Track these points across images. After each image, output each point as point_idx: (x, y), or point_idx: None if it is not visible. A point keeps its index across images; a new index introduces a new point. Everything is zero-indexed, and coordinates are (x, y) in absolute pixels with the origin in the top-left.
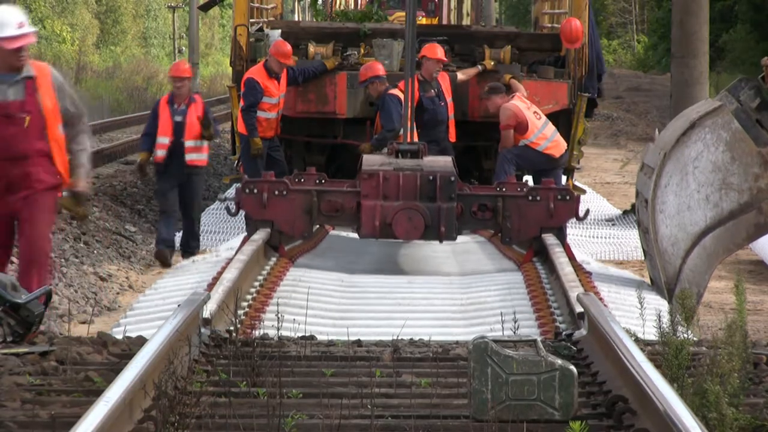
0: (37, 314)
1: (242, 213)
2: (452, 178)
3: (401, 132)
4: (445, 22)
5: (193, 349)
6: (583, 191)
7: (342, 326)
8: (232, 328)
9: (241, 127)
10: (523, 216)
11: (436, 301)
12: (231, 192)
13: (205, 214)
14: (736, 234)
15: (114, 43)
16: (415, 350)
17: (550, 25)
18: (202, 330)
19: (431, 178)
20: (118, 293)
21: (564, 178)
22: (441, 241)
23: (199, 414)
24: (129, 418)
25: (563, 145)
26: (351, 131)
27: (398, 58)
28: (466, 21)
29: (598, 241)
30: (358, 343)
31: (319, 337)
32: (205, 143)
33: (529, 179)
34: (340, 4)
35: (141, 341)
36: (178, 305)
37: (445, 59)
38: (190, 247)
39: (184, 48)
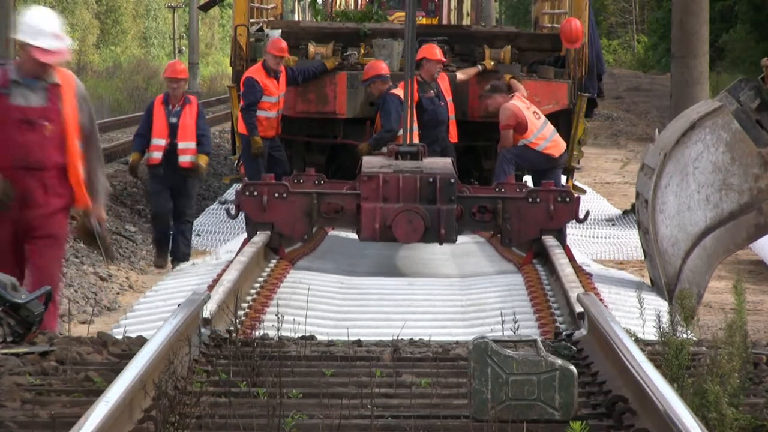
0: (37, 314)
1: (242, 214)
2: (452, 180)
3: (400, 133)
4: (445, 22)
5: (193, 349)
6: (583, 191)
7: (342, 327)
8: (232, 328)
9: (241, 128)
10: (522, 218)
11: (436, 302)
12: (231, 194)
13: (204, 214)
14: (737, 234)
15: (114, 43)
16: (415, 350)
17: (550, 25)
18: (202, 330)
19: (431, 180)
20: (118, 293)
21: (564, 178)
22: (441, 243)
23: (199, 414)
24: (129, 418)
25: (562, 145)
26: (351, 131)
27: (398, 58)
28: (466, 21)
29: (598, 241)
30: (358, 343)
31: (319, 338)
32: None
33: (528, 179)
34: (340, 4)
35: (141, 341)
36: (178, 305)
37: (445, 60)
38: (181, 254)
39: (184, 48)
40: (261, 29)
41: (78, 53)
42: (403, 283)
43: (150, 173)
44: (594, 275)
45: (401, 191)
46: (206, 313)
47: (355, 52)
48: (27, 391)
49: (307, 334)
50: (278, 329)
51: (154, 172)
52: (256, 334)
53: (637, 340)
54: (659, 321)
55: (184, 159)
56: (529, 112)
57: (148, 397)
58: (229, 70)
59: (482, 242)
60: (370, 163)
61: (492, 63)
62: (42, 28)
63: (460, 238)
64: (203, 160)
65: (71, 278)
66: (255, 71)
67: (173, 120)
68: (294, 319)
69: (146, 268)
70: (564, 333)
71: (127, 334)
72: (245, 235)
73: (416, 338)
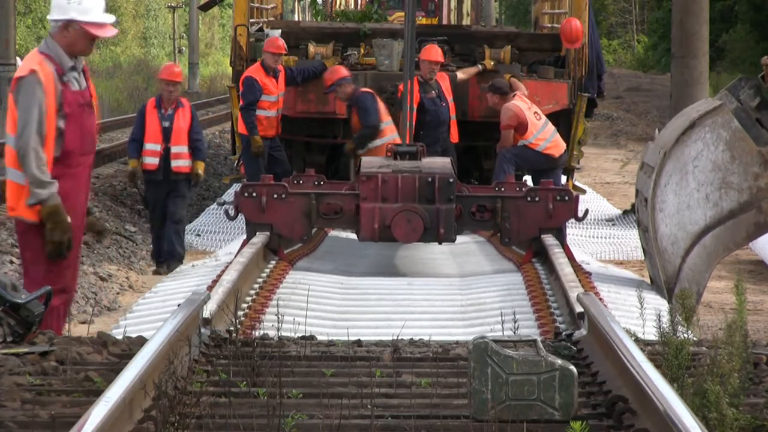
0: (37, 314)
1: (242, 215)
2: (451, 180)
3: (382, 126)
4: (445, 22)
5: (193, 349)
6: (583, 191)
7: (342, 327)
8: (232, 328)
9: (241, 128)
10: (522, 217)
11: (435, 302)
12: (230, 194)
13: (204, 214)
14: (736, 233)
15: (114, 43)
16: (415, 350)
17: (550, 25)
18: (202, 330)
19: (430, 179)
20: (118, 293)
21: (564, 178)
22: (440, 243)
23: (199, 414)
24: (129, 418)
25: (562, 145)
26: (351, 131)
27: (398, 58)
28: (466, 21)
29: (598, 241)
30: (358, 343)
31: (319, 338)
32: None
33: (528, 179)
34: (340, 4)
35: (141, 341)
36: (178, 305)
37: (441, 60)
38: (177, 254)
39: (184, 48)
40: (261, 29)
41: None
42: (402, 282)
43: (146, 179)
44: (593, 274)
45: (400, 191)
46: (206, 313)
47: (355, 52)
48: (27, 391)
49: (307, 334)
50: (278, 329)
51: (152, 178)
52: (256, 334)
53: (637, 340)
54: (659, 321)
55: (177, 164)
56: (530, 113)
57: (148, 397)
58: (229, 70)
59: (482, 241)
60: (369, 163)
61: (492, 63)
62: (92, 4)
63: (460, 238)
64: (201, 168)
65: None
66: (254, 70)
67: (166, 124)
68: (294, 319)
69: (146, 268)
70: (564, 333)
71: (127, 334)
72: (245, 236)
73: (416, 338)
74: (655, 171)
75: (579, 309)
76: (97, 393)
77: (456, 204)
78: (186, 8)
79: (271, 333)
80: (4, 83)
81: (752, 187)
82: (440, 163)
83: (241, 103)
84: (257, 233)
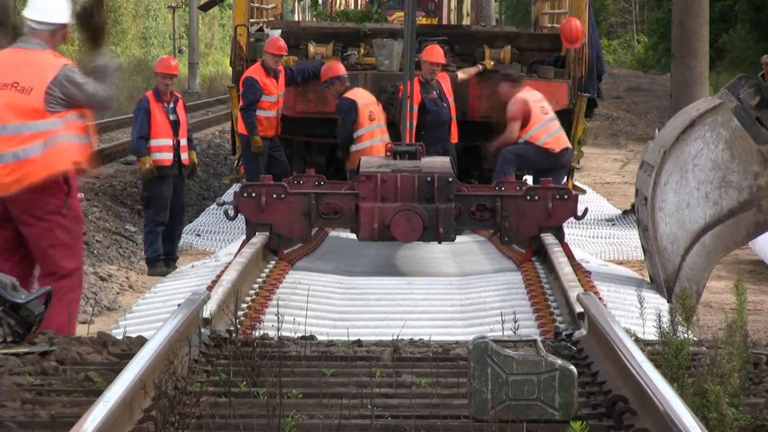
0: (37, 314)
1: (242, 215)
2: (450, 179)
3: (361, 132)
4: (445, 22)
5: (193, 349)
6: (583, 191)
7: (342, 327)
8: (232, 328)
9: (241, 128)
10: (521, 216)
11: (435, 301)
12: (229, 194)
13: (204, 214)
14: (736, 232)
15: (114, 43)
16: (415, 350)
17: (550, 25)
18: (202, 330)
19: (429, 179)
20: (118, 293)
21: (564, 178)
22: (439, 242)
23: (199, 414)
24: (129, 418)
25: (564, 141)
26: None
27: (398, 58)
28: (466, 21)
29: (598, 241)
30: (358, 343)
31: (319, 338)
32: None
33: (529, 179)
34: (340, 4)
35: (141, 341)
36: (178, 305)
37: (441, 61)
38: (176, 254)
39: (184, 48)
40: (261, 29)
41: (78, 53)
42: (402, 282)
43: (160, 175)
44: (593, 273)
45: (399, 191)
46: (206, 313)
47: (355, 52)
48: (27, 391)
49: (307, 334)
50: (278, 329)
51: (167, 173)
52: (256, 334)
53: (637, 340)
54: (659, 320)
55: (185, 156)
56: (537, 106)
57: (148, 397)
58: (229, 70)
59: (481, 240)
60: (369, 162)
61: (492, 63)
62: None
63: (459, 237)
64: (194, 157)
65: None
66: (254, 71)
67: (173, 117)
68: (294, 319)
69: (146, 268)
70: (564, 333)
71: (127, 335)
72: (245, 236)
73: (416, 338)
74: (654, 170)
75: (579, 309)
76: (97, 393)
77: (455, 203)
78: (186, 8)
79: (271, 333)
80: None
81: (752, 186)
82: (439, 163)
83: (241, 103)
84: (257, 233)
